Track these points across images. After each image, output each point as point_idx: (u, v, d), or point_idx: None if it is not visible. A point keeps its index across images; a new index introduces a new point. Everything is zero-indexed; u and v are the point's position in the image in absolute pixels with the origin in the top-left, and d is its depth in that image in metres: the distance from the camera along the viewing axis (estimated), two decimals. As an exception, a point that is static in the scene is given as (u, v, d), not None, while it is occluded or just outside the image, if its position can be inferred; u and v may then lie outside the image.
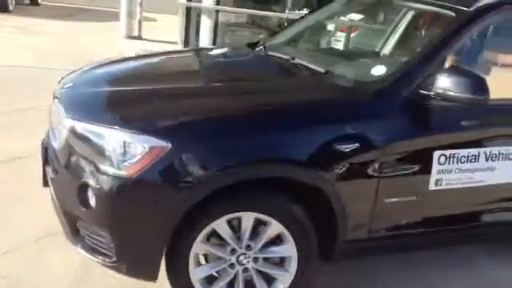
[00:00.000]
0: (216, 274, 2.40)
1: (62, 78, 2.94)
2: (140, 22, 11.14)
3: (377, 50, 3.23)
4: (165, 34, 12.38)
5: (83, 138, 2.30)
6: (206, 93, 2.55)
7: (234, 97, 2.49)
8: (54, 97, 2.69)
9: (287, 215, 2.31)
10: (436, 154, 2.47)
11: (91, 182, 2.19)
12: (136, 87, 2.72)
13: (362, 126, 2.38)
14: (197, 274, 2.34)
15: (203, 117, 2.27)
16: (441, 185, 2.54)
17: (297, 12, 11.47)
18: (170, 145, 2.11)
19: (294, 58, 2.96)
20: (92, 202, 2.20)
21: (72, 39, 9.99)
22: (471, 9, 2.63)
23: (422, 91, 2.43)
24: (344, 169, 2.33)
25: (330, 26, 3.93)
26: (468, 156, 2.55)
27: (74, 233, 2.37)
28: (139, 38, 11.07)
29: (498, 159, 2.63)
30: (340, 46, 3.56)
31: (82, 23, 12.60)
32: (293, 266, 2.39)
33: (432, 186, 2.52)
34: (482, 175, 2.61)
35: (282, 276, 2.41)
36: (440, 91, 2.37)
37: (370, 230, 2.52)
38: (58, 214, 2.48)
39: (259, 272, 2.39)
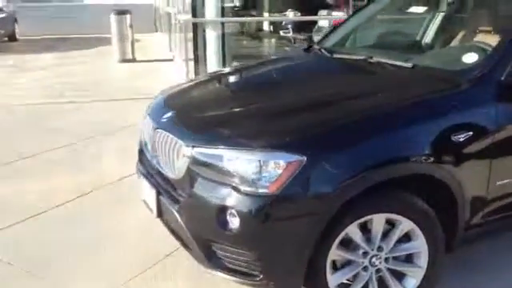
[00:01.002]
0: (347, 281, 2.43)
1: (152, 109, 2.95)
2: (132, 44, 11.10)
3: (447, 37, 3.29)
4: (155, 53, 12.41)
5: (211, 164, 2.32)
6: (312, 104, 2.56)
7: (342, 105, 2.51)
8: (156, 128, 2.69)
9: (416, 211, 2.35)
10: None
11: (231, 204, 2.20)
12: (240, 105, 2.75)
13: (469, 113, 2.45)
14: (333, 281, 2.35)
15: (328, 128, 2.30)
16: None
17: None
18: (305, 158, 2.14)
19: (371, 57, 3.02)
20: (233, 223, 2.21)
21: (69, 70, 9.91)
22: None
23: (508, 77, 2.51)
24: (460, 157, 2.39)
25: (389, 21, 3.96)
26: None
27: (210, 256, 2.37)
28: (133, 60, 11.05)
29: None
30: (405, 38, 3.59)
31: (69, 53, 12.52)
32: (423, 261, 2.43)
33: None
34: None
35: (415, 272, 2.45)
36: None
37: (484, 215, 2.59)
38: (185, 240, 2.49)
39: (391, 271, 2.43)
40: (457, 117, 2.42)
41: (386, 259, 2.40)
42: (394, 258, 2.42)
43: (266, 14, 13.66)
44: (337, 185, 2.17)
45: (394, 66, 2.88)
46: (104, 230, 3.40)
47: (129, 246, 3.22)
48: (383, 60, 2.95)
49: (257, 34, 13.59)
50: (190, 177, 2.40)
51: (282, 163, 2.15)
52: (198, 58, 7.56)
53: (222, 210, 2.24)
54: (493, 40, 2.75)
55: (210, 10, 7.43)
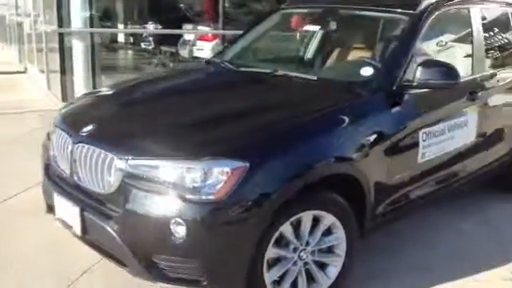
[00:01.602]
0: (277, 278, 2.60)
1: (64, 122, 2.82)
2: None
3: (339, 53, 3.66)
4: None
5: (149, 175, 2.33)
6: (238, 115, 2.66)
7: (267, 115, 2.66)
8: (77, 142, 2.59)
9: (337, 207, 2.63)
10: (420, 132, 3.03)
11: (176, 214, 2.24)
12: (166, 115, 2.78)
13: (372, 118, 2.82)
14: (268, 278, 2.51)
15: (264, 136, 2.46)
16: (425, 157, 3.11)
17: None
18: (248, 164, 2.28)
19: (276, 71, 3.27)
20: (179, 233, 2.24)
21: None
22: (417, 12, 3.25)
23: (404, 83, 2.95)
24: (368, 156, 2.73)
25: (284, 37, 4.25)
26: (439, 130, 3.17)
27: (150, 268, 2.36)
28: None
29: (455, 129, 3.31)
30: (301, 53, 3.91)
31: None
32: (342, 250, 2.71)
33: (419, 160, 3.08)
34: (447, 143, 3.26)
35: (336, 261, 2.72)
36: (422, 81, 2.91)
37: (386, 205, 2.98)
38: (118, 255, 2.44)
39: (316, 263, 2.67)
40: (363, 122, 2.77)
41: (312, 252, 2.63)
42: (319, 251, 2.66)
43: (122, 26, 13.41)
44: (276, 187, 2.34)
45: (300, 78, 3.17)
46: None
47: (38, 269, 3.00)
48: (288, 73, 3.21)
49: (121, 45, 13.26)
50: (126, 190, 2.38)
51: (228, 170, 2.25)
52: (65, 70, 7.18)
53: (166, 220, 2.26)
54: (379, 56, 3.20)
55: (77, 20, 7.14)
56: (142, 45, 12.25)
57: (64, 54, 7.09)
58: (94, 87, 6.93)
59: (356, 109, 2.82)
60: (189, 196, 2.26)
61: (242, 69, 3.49)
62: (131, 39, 13.33)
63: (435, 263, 3.19)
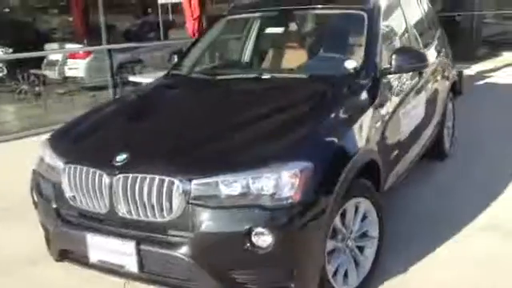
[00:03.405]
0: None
1: (79, 158, 2.61)
2: None
3: (311, 51, 3.79)
4: None
5: (221, 192, 2.29)
6: (271, 118, 2.75)
7: (301, 116, 2.78)
8: (116, 174, 2.42)
9: (369, 191, 2.82)
10: (392, 108, 3.32)
11: (256, 226, 2.23)
12: (193, 129, 2.76)
13: (373, 105, 3.05)
14: (329, 271, 2.61)
15: (315, 136, 2.59)
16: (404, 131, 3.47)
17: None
18: (312, 164, 2.35)
19: (261, 75, 3.34)
20: (263, 244, 2.23)
21: None
22: (370, 6, 3.58)
23: (384, 70, 3.26)
24: (377, 135, 2.99)
25: (241, 42, 4.26)
26: (410, 107, 3.57)
27: (230, 286, 2.32)
28: None
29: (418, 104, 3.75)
30: (260, 56, 4.01)
31: None
32: (376, 231, 2.91)
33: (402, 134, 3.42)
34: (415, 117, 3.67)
35: (372, 242, 2.91)
36: (397, 67, 3.23)
37: (390, 180, 3.28)
38: (191, 281, 2.35)
39: (358, 248, 2.84)
40: (368, 109, 2.99)
41: (354, 239, 2.80)
42: (359, 236, 2.84)
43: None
44: (336, 182, 2.45)
45: (292, 78, 3.29)
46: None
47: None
48: (277, 75, 3.31)
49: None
50: (193, 212, 2.29)
51: (297, 171, 2.30)
52: None
53: (246, 233, 2.24)
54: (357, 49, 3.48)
55: None
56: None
57: None
58: None
59: (362, 98, 3.04)
60: (268, 204, 2.27)
61: (222, 77, 3.50)
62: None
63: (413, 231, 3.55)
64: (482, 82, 9.31)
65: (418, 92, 3.88)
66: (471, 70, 10.15)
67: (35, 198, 2.90)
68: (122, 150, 2.51)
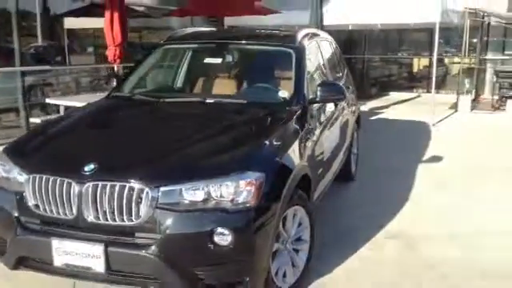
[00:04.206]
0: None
1: (41, 166, 2.80)
2: None
3: (245, 81, 4.16)
4: None
5: (187, 198, 2.59)
6: (226, 136, 3.12)
7: (249, 134, 3.18)
8: (84, 181, 2.61)
9: (304, 200, 3.25)
10: (318, 132, 3.85)
11: (218, 227, 2.55)
12: (158, 142, 3.05)
13: (300, 124, 3.51)
14: (273, 269, 2.99)
15: (265, 151, 2.98)
16: (324, 152, 3.98)
17: None
18: (264, 174, 2.74)
19: (205, 99, 3.72)
20: (224, 242, 2.55)
21: None
22: (297, 45, 4.13)
23: (308, 98, 3.77)
24: (307, 152, 3.44)
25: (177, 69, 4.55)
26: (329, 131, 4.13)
27: (194, 282, 2.60)
28: None
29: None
30: (197, 83, 4.35)
31: None
32: (308, 235, 3.33)
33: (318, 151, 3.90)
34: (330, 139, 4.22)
35: (304, 246, 3.32)
36: (322, 97, 3.77)
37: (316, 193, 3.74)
38: (160, 279, 2.60)
39: (294, 251, 3.24)
40: (302, 130, 3.47)
41: (292, 242, 3.21)
42: (295, 240, 3.25)
43: None
44: (282, 190, 2.86)
45: (232, 103, 3.70)
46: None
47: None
48: (220, 100, 3.70)
49: None
50: (161, 216, 2.56)
51: (253, 180, 2.67)
52: None
53: (209, 233, 2.56)
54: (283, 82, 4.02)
55: None
56: None
57: None
58: None
59: (295, 122, 3.48)
60: (228, 208, 2.60)
61: (168, 99, 3.81)
62: None
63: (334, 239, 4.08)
64: (375, 117, 10.42)
65: (335, 120, 4.47)
66: (365, 107, 11.29)
67: None
68: (89, 160, 2.71)
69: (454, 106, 11.50)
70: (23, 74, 8.21)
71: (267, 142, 3.04)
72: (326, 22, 9.26)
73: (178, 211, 2.58)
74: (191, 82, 4.39)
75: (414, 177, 5.98)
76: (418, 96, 14.32)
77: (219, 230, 2.56)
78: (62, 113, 6.82)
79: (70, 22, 14.64)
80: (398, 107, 12.20)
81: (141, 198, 2.56)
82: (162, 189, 2.57)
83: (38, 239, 2.72)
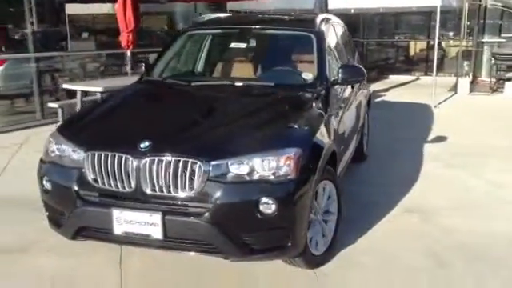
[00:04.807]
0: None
1: (100, 144, 3.04)
2: None
3: (270, 63, 4.41)
4: None
5: (235, 171, 2.86)
6: (266, 115, 3.40)
7: (287, 114, 3.46)
8: (141, 157, 2.88)
9: (332, 175, 3.53)
10: (339, 112, 4.12)
11: (263, 196, 2.82)
12: (203, 120, 3.37)
13: (325, 101, 3.80)
14: (308, 236, 3.26)
15: (301, 129, 3.26)
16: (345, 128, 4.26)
17: None
18: (301, 150, 3.01)
19: (234, 82, 3.97)
20: (269, 210, 2.82)
21: None
22: (317, 30, 4.38)
23: (330, 80, 4.03)
24: (332, 127, 3.70)
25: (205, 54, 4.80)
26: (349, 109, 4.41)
27: (242, 246, 2.89)
28: None
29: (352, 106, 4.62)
30: (223, 68, 4.59)
31: None
32: (335, 208, 3.62)
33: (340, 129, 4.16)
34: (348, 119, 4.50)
35: (332, 217, 3.60)
36: (343, 79, 4.02)
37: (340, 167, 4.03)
38: (211, 244, 2.88)
39: (324, 221, 3.52)
40: (327, 109, 3.73)
41: (322, 214, 3.49)
42: (324, 212, 3.53)
43: None
44: (317, 164, 3.12)
45: (260, 85, 3.96)
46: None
47: None
48: (248, 83, 3.96)
49: None
50: (212, 187, 2.82)
51: (292, 155, 2.94)
52: None
53: (256, 203, 2.83)
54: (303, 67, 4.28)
55: None
56: None
57: None
58: None
59: (321, 102, 3.74)
60: (272, 180, 2.87)
61: (198, 83, 4.10)
62: None
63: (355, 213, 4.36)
64: (378, 100, 10.69)
65: (352, 101, 4.74)
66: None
67: (45, 185, 3.21)
68: (143, 137, 2.96)
69: (454, 88, 11.81)
70: (37, 59, 8.40)
71: (301, 121, 3.31)
72: (330, 6, 9.49)
73: (226, 183, 2.84)
74: (217, 66, 4.62)
75: (421, 155, 6.28)
76: (417, 79, 14.62)
77: (264, 199, 2.83)
78: (78, 98, 7.05)
79: (73, 8, 14.73)
80: (398, 90, 12.48)
81: (194, 172, 2.82)
82: (213, 163, 2.83)
83: (98, 210, 2.98)
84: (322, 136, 3.39)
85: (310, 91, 3.87)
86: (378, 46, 17.16)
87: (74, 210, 3.04)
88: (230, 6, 12.57)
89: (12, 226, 4.07)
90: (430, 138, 7.26)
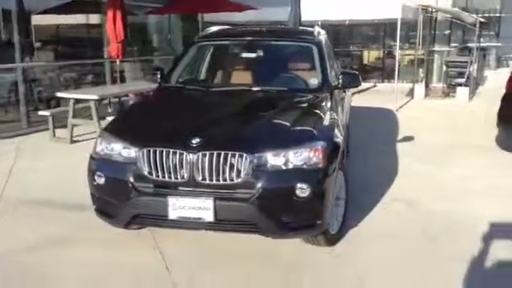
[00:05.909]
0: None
1: (158, 141, 3.50)
2: None
3: (281, 71, 4.97)
4: None
5: (274, 161, 3.39)
6: (289, 115, 3.92)
7: (306, 114, 4.01)
8: (194, 151, 3.36)
9: (343, 165, 4.12)
10: (340, 112, 4.72)
11: (298, 182, 3.36)
12: (235, 118, 3.91)
13: (328, 102, 4.37)
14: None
15: (322, 126, 3.81)
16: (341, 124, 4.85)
17: None
18: (325, 143, 3.58)
19: (251, 87, 4.51)
20: (304, 194, 3.35)
21: None
22: (317, 40, 5.01)
23: (333, 85, 4.65)
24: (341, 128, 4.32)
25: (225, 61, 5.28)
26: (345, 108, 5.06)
27: (281, 226, 3.41)
28: None
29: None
30: (236, 75, 5.06)
31: None
32: (344, 194, 4.21)
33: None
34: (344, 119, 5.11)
35: (341, 202, 4.18)
36: (343, 84, 4.65)
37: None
38: (255, 224, 3.38)
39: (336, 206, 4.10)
40: (332, 108, 4.32)
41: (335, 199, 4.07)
42: (336, 198, 4.10)
43: None
44: (336, 155, 3.71)
45: (275, 90, 4.52)
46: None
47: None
48: (264, 88, 4.52)
49: None
50: (256, 176, 3.34)
51: (319, 148, 3.50)
52: None
53: (292, 187, 3.36)
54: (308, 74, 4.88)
55: None
56: None
57: None
58: None
59: (328, 104, 4.33)
60: (305, 168, 3.42)
61: (217, 89, 4.68)
62: None
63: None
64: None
65: (345, 103, 5.39)
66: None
67: (97, 180, 3.61)
68: (193, 135, 3.46)
69: (410, 94, 12.81)
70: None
71: (320, 119, 3.90)
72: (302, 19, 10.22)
73: (267, 172, 3.36)
74: (230, 73, 5.18)
75: (394, 152, 7.03)
76: (374, 86, 15.61)
77: (299, 185, 3.37)
78: (70, 105, 7.32)
79: (38, 19, 14.70)
80: (358, 96, 13.32)
81: (240, 163, 3.33)
82: (257, 154, 3.35)
83: (154, 199, 3.42)
84: (338, 132, 3.99)
85: (319, 95, 4.47)
86: (335, 56, 18.05)
87: (129, 200, 3.47)
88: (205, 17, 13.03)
89: (47, 222, 4.42)
90: (400, 137, 8.05)
